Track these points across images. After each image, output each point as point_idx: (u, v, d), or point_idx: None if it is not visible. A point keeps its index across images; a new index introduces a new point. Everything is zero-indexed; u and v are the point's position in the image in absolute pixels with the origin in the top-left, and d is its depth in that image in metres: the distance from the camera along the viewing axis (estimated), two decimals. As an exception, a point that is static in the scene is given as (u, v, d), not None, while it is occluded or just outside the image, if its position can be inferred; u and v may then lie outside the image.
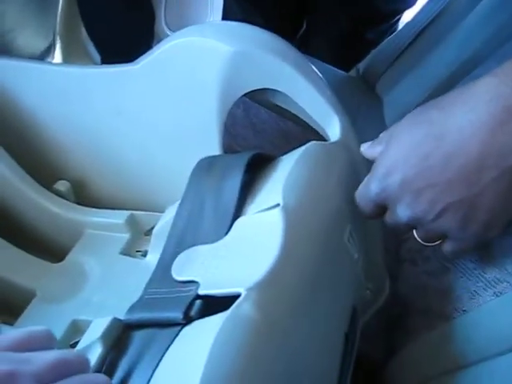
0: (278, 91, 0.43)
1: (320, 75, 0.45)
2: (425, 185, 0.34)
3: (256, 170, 0.41)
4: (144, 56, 0.45)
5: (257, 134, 0.68)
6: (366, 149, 0.41)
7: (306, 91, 0.43)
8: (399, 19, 1.04)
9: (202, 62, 0.43)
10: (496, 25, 0.59)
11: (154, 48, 0.45)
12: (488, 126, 0.32)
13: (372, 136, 0.42)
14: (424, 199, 0.35)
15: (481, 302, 0.38)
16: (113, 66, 0.46)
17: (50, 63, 0.65)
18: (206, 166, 0.41)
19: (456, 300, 0.40)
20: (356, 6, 1.00)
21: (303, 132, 0.70)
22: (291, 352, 0.30)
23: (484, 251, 0.39)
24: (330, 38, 1.05)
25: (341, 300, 0.38)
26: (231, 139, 0.65)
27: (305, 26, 1.10)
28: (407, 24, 0.76)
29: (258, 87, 0.43)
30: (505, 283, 0.37)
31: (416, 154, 0.35)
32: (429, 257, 0.46)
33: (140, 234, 0.47)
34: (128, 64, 0.45)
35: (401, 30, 0.79)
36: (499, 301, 0.36)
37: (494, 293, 0.37)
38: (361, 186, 0.39)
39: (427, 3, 0.73)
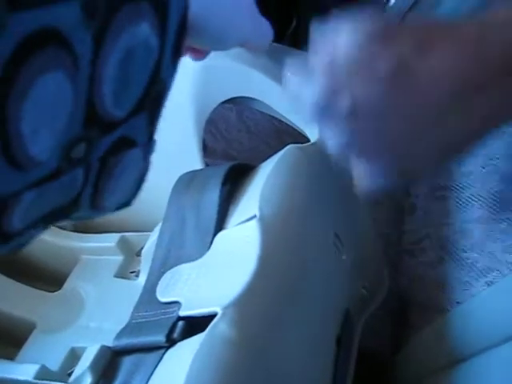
0: (253, 98, 0.43)
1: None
2: None
3: (237, 180, 0.40)
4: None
5: (252, 136, 0.67)
6: None
7: (278, 95, 0.42)
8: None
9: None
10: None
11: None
12: None
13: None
14: None
15: (473, 293, 0.37)
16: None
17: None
18: (186, 183, 0.40)
19: (450, 292, 0.39)
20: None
21: (298, 130, 0.69)
22: (271, 366, 0.29)
23: (473, 239, 0.38)
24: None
25: (330, 304, 0.37)
26: (226, 144, 0.65)
27: (295, 22, 1.09)
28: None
29: (231, 97, 0.43)
30: (495, 272, 0.36)
31: None
32: (425, 248, 0.45)
33: (133, 254, 0.47)
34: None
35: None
36: (491, 290, 0.35)
37: (486, 282, 0.36)
38: None
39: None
